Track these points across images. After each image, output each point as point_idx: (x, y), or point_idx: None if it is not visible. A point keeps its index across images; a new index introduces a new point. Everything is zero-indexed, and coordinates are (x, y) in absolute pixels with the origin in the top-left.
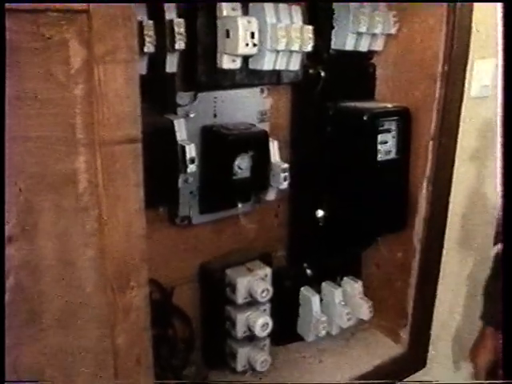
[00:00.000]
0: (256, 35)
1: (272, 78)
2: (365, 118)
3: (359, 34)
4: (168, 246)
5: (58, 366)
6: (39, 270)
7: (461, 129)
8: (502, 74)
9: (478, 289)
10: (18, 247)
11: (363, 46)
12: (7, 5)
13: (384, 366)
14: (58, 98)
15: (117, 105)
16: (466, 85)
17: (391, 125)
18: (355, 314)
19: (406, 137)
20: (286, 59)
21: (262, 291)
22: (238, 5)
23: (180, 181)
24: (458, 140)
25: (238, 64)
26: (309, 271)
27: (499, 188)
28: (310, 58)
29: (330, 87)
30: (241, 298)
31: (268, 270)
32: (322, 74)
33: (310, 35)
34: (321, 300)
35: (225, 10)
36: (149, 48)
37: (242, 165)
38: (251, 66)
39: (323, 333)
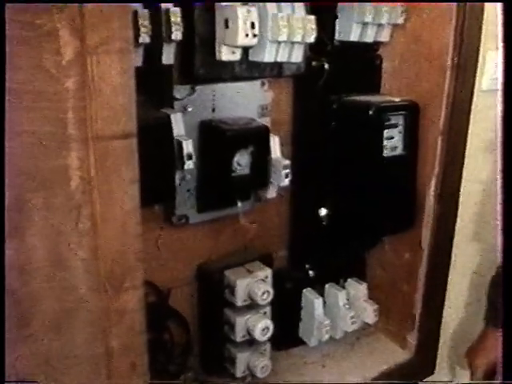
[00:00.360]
0: (256, 25)
1: (273, 71)
2: (370, 113)
3: (364, 24)
4: (164, 246)
5: (50, 370)
6: (29, 271)
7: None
8: (502, 74)
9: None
10: (7, 247)
11: (369, 37)
12: None
13: (390, 373)
14: (48, 90)
15: (111, 98)
16: (477, 77)
17: (398, 119)
18: (360, 318)
19: (414, 132)
20: (288, 51)
21: (263, 293)
22: None
23: (177, 178)
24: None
25: (237, 56)
26: (311, 272)
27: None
28: (312, 50)
29: (334, 80)
30: (240, 300)
31: (268, 272)
32: (326, 66)
33: (313, 26)
34: (324, 303)
35: None
36: (144, 39)
37: (242, 161)
38: (251, 57)
39: (326, 337)
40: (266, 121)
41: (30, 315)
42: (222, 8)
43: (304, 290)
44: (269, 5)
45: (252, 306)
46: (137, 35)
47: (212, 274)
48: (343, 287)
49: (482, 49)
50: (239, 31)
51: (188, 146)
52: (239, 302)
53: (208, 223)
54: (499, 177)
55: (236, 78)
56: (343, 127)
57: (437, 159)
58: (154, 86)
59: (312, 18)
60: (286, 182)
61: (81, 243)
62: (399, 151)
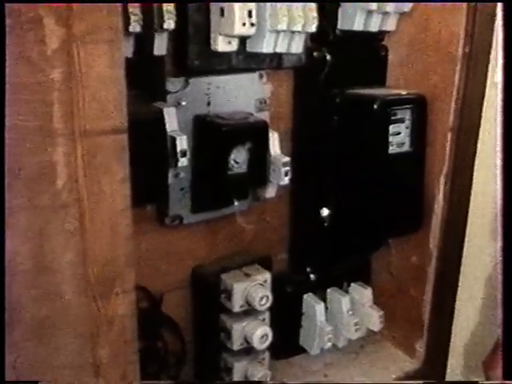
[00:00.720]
0: (254, 14)
1: (272, 62)
2: (375, 107)
3: (369, 13)
4: (157, 249)
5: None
6: (12, 275)
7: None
8: (502, 74)
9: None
10: None
11: (373, 26)
12: None
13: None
14: (32, 82)
15: (99, 91)
16: (490, 69)
17: (405, 114)
18: (364, 325)
19: (422, 127)
20: (288, 41)
21: (261, 298)
22: None
23: (170, 176)
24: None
25: (234, 46)
26: (313, 276)
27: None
28: (314, 40)
29: (337, 72)
30: (237, 305)
31: (267, 275)
32: (328, 57)
33: (314, 14)
34: (326, 308)
35: None
36: (134, 27)
37: (239, 158)
38: (249, 48)
39: (329, 345)
40: (264, 115)
41: (12, 322)
42: None
43: (305, 295)
44: None
45: (250, 311)
46: (127, 24)
47: (207, 277)
48: (347, 292)
49: (494, 38)
50: (236, 20)
51: (182, 143)
52: (236, 308)
53: (203, 224)
54: (499, 177)
55: (233, 70)
56: (346, 122)
57: (446, 156)
58: (145, 79)
59: (313, 5)
60: (286, 180)
61: (67, 245)
62: (406, 148)
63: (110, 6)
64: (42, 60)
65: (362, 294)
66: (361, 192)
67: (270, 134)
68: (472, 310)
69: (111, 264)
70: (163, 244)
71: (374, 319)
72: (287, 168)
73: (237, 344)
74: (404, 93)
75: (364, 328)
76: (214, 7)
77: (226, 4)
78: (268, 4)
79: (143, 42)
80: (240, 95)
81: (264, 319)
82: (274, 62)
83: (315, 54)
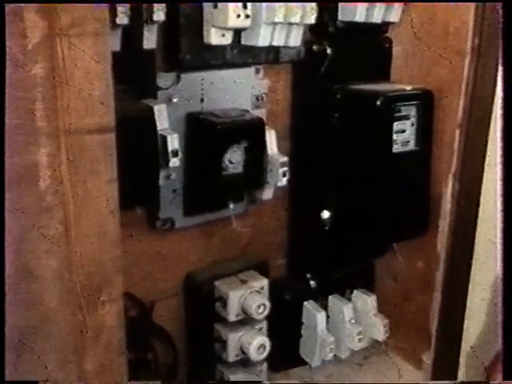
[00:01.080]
0: (249, 5)
1: (269, 56)
2: (378, 103)
3: (371, 3)
4: (147, 254)
5: None
6: None
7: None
8: (502, 74)
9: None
10: None
11: (376, 17)
12: None
13: None
14: (13, 78)
15: (85, 87)
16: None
17: (410, 110)
18: (368, 334)
19: (428, 124)
20: (285, 34)
21: (258, 307)
22: None
23: (161, 177)
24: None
25: (228, 39)
26: (313, 283)
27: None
28: (313, 32)
29: (338, 66)
30: (233, 314)
31: (265, 282)
32: (328, 50)
33: (313, 5)
34: (327, 317)
35: None
36: (122, 19)
37: (234, 158)
38: (244, 41)
39: (330, 356)
40: (261, 113)
41: None
42: None
43: (305, 303)
44: None
45: (246, 320)
46: (114, 16)
47: (201, 284)
48: (349, 299)
49: None
50: (229, 11)
51: (173, 142)
52: (232, 317)
53: (196, 228)
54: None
55: (227, 65)
56: (348, 119)
57: (454, 155)
58: (134, 74)
59: None
60: (284, 181)
61: (51, 251)
62: (411, 146)
63: None
64: (23, 55)
65: (366, 301)
66: (363, 193)
67: (267, 133)
68: (483, 318)
69: (98, 271)
70: (154, 249)
71: (379, 328)
72: (285, 168)
73: (232, 355)
74: (409, 88)
75: (368, 338)
76: None
77: None
78: None
79: (131, 34)
80: (235, 91)
81: (261, 329)
82: (271, 55)
83: (315, 47)
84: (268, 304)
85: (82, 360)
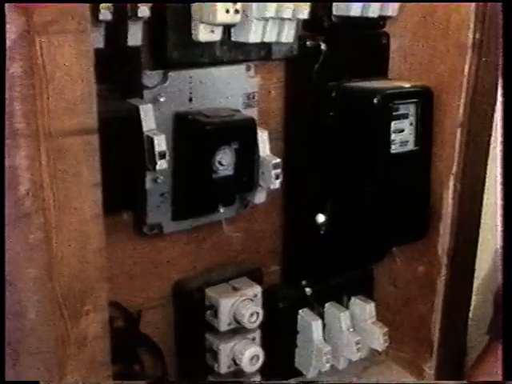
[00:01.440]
0: None
1: (260, 53)
2: (375, 101)
3: None
4: (134, 261)
5: None
6: None
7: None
8: (502, 75)
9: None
10: None
11: (373, 11)
12: None
13: None
14: None
15: (66, 87)
16: None
17: (409, 109)
18: (367, 344)
19: (428, 123)
20: (277, 29)
21: (251, 315)
22: None
23: (148, 180)
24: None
25: (217, 36)
26: (308, 290)
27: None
28: (306, 28)
29: (333, 63)
30: (224, 323)
31: (258, 289)
32: (323, 46)
33: None
34: (324, 326)
35: None
36: (105, 15)
37: (225, 160)
38: (234, 37)
39: (327, 367)
40: (252, 112)
41: None
42: None
43: (300, 311)
44: None
45: (238, 330)
46: (96, 11)
47: (191, 292)
48: (346, 307)
49: None
50: (218, 6)
51: (160, 143)
52: (223, 326)
53: (186, 233)
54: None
55: (217, 62)
56: (344, 119)
57: (455, 155)
58: (118, 72)
59: None
60: (277, 183)
61: (31, 258)
62: (410, 146)
63: None
64: None
65: (364, 309)
66: (360, 196)
67: (259, 133)
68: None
69: (81, 279)
70: (141, 255)
71: (378, 337)
72: (278, 170)
73: (224, 366)
74: (407, 85)
75: (366, 347)
76: None
77: None
78: None
79: (115, 31)
80: (225, 90)
81: (254, 338)
82: (263, 52)
83: (308, 43)
84: (261, 312)
85: (64, 372)
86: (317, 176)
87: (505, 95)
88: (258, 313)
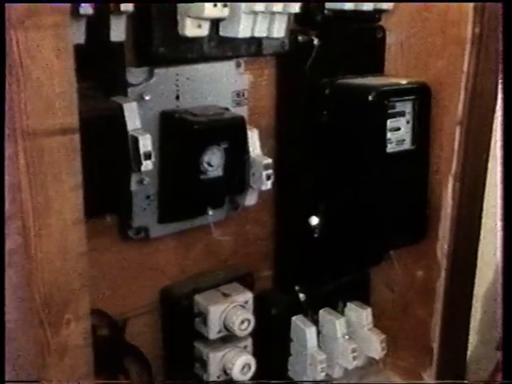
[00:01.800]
0: None
1: (250, 49)
2: (370, 98)
3: None
4: (119, 267)
5: None
6: None
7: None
8: (502, 75)
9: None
10: None
11: (367, 4)
12: None
13: None
14: None
15: (44, 84)
16: None
17: (405, 106)
18: (363, 351)
19: (425, 122)
20: (268, 24)
21: (242, 322)
22: None
23: (133, 182)
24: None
25: (205, 30)
26: (302, 296)
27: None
28: (298, 22)
29: (326, 59)
30: (214, 331)
31: (249, 295)
32: (315, 41)
33: None
34: (318, 333)
35: None
36: (86, 9)
37: (213, 161)
38: (222, 32)
39: (322, 376)
40: (242, 110)
41: None
42: None
43: (293, 318)
44: None
45: (229, 338)
46: (76, 4)
47: (179, 299)
48: (342, 313)
49: None
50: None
51: (146, 143)
52: (213, 334)
53: (173, 237)
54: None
55: (205, 59)
56: (337, 117)
57: (454, 154)
58: (101, 69)
59: None
60: (269, 185)
61: (9, 265)
62: (407, 145)
63: None
64: None
65: (360, 315)
66: (355, 197)
67: (249, 132)
68: (489, 332)
69: (61, 286)
70: (127, 261)
71: (375, 345)
72: (269, 171)
73: (214, 376)
74: (404, 82)
75: (363, 355)
76: None
77: None
78: None
79: (97, 26)
80: (214, 87)
81: (246, 347)
82: (253, 48)
83: (300, 38)
84: (253, 319)
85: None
86: (310, 177)
87: (504, 93)
88: (249, 320)
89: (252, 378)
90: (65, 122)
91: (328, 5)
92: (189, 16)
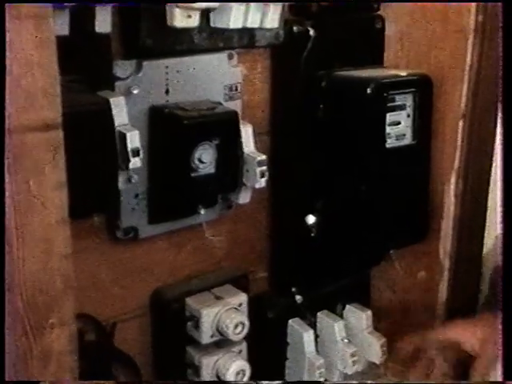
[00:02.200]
0: None
1: (243, 40)
2: (368, 91)
3: None
4: (107, 269)
5: None
6: None
7: None
8: (502, 75)
9: None
10: None
11: None
12: None
13: None
14: None
15: (25, 77)
16: None
17: (405, 99)
18: (363, 356)
19: (427, 115)
20: (261, 13)
21: (236, 326)
22: None
23: (120, 180)
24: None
25: (195, 21)
26: (299, 298)
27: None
28: (293, 12)
29: (322, 50)
30: (207, 335)
31: (243, 298)
32: (311, 32)
33: None
34: (316, 336)
35: None
36: None
37: (205, 157)
38: (213, 23)
39: (321, 381)
40: (235, 105)
41: None
42: None
43: (290, 321)
44: None
45: (222, 342)
46: None
47: (170, 302)
48: (341, 316)
49: None
50: None
51: (134, 139)
52: (205, 339)
53: (163, 237)
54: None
55: (195, 50)
56: (335, 111)
57: (457, 149)
58: (86, 62)
59: None
60: (263, 182)
61: None
62: (407, 140)
63: None
64: None
65: (360, 317)
66: (354, 195)
67: (242, 128)
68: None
69: (45, 289)
70: (115, 263)
71: (375, 349)
72: (263, 168)
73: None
74: (404, 74)
75: (363, 360)
76: None
77: None
78: None
79: (81, 16)
80: (205, 81)
81: (240, 351)
82: (245, 39)
83: (295, 28)
84: (247, 323)
85: None
86: (306, 174)
87: (504, 100)
88: (243, 323)
89: None
90: (47, 117)
91: None
92: (178, 6)
